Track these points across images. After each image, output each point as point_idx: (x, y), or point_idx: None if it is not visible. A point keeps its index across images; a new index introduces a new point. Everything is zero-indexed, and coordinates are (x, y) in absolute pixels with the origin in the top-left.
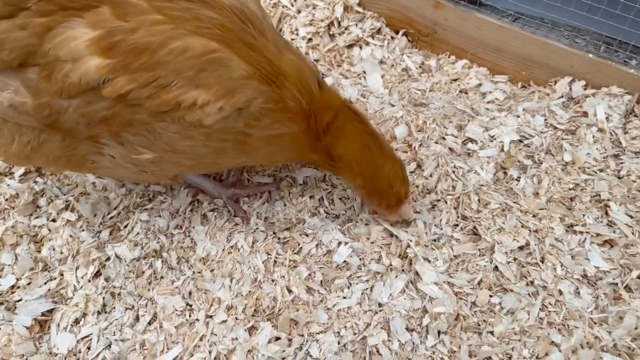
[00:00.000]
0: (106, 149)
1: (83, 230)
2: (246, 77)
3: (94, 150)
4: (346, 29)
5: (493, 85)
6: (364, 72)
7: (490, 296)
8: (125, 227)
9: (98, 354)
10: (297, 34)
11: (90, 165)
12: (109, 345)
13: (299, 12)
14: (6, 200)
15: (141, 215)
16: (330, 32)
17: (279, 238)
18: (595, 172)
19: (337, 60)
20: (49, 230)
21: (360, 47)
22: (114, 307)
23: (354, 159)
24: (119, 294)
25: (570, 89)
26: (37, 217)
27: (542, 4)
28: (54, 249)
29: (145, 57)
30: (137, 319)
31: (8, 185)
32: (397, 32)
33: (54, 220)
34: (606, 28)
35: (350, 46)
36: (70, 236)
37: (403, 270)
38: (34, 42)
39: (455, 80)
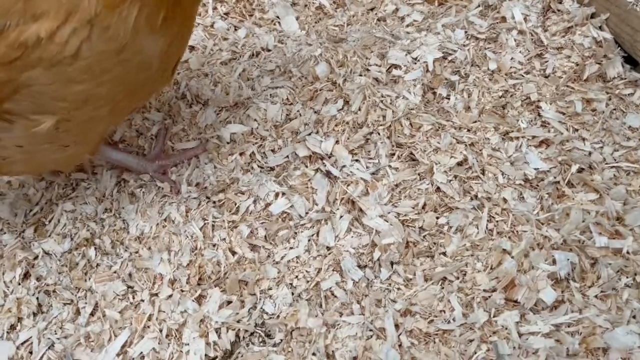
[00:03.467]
0: (3, 137)
1: (4, 233)
2: None
3: None
4: None
5: (410, 8)
6: (278, 17)
7: (437, 218)
8: (50, 221)
9: (42, 356)
10: None
11: (3, 163)
12: (52, 345)
13: None
14: None
15: (65, 206)
16: None
17: (213, 202)
18: (522, 76)
19: (248, 10)
20: None
21: None
22: (51, 305)
23: None
24: (54, 291)
25: None
26: None
27: None
28: None
29: None
30: (77, 312)
31: None
32: None
33: None
34: None
35: None
36: None
37: (346, 208)
38: None
39: (371, 9)
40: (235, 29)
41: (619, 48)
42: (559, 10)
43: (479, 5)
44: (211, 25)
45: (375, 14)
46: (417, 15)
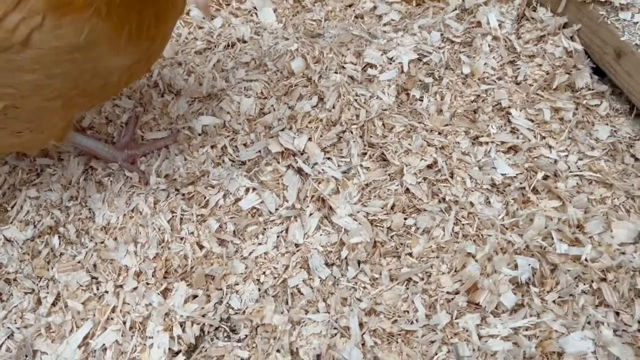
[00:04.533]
0: None
1: None
2: None
3: None
4: None
5: (388, 7)
6: (255, 7)
7: (405, 219)
8: (13, 207)
9: (0, 345)
10: None
11: None
12: (12, 335)
13: None
14: None
15: (29, 192)
16: None
17: (182, 194)
18: (494, 81)
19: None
20: None
21: None
22: (11, 294)
23: None
24: (14, 280)
25: (463, 0)
26: None
27: None
28: None
29: None
30: (38, 301)
31: None
32: None
33: None
34: None
35: None
36: None
37: (316, 205)
38: None
39: (350, 5)
40: (212, 18)
41: (589, 59)
42: (532, 19)
43: (455, 9)
44: (187, 13)
45: (354, 10)
46: (394, 15)
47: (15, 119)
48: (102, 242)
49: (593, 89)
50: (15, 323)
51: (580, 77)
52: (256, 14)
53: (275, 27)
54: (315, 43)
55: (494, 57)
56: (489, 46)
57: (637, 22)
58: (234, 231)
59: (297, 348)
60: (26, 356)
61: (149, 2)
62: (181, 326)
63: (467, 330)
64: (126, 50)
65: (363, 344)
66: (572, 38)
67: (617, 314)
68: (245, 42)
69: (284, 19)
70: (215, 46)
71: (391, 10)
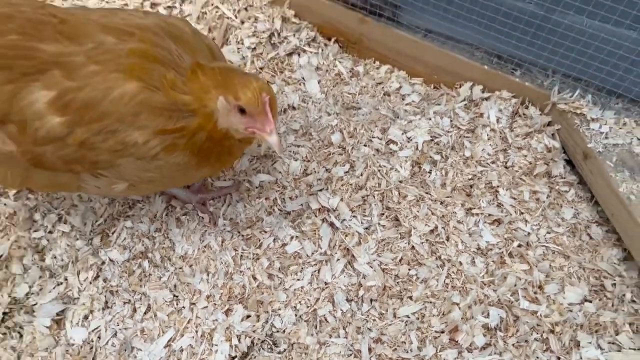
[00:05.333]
0: (88, 181)
1: (77, 239)
2: (162, 109)
3: (76, 181)
4: (285, 38)
5: (410, 88)
6: (303, 78)
7: (409, 269)
8: (113, 233)
9: (107, 342)
10: (242, 44)
11: (78, 188)
12: (115, 334)
13: (242, 23)
14: (6, 218)
15: (126, 223)
16: (272, 42)
17: (242, 235)
18: (488, 164)
19: (280, 68)
20: (48, 241)
21: (299, 55)
22: (115, 303)
23: (204, 86)
24: (117, 292)
25: (471, 92)
26: (35, 231)
27: (447, 24)
28: (55, 258)
29: (93, 111)
30: (134, 310)
31: (5, 204)
32: (329, 39)
33: (50, 232)
34: (497, 45)
35: (290, 54)
36: (68, 245)
37: (343, 254)
38: (5, 106)
39: (379, 83)
40: (269, 83)
41: (564, 152)
42: (524, 115)
43: (464, 99)
44: None
45: (382, 88)
46: (415, 96)
47: (132, 191)
48: (180, 268)
49: (565, 178)
50: (118, 325)
51: (556, 167)
52: (304, 83)
53: (319, 97)
54: (350, 119)
55: (490, 145)
56: (487, 135)
57: (603, 133)
58: (279, 268)
59: None
60: (125, 350)
61: (223, 150)
62: (237, 338)
63: (446, 359)
64: (205, 170)
65: (367, 352)
66: (552, 136)
67: (559, 358)
68: (294, 108)
69: (326, 89)
70: None
71: (413, 92)
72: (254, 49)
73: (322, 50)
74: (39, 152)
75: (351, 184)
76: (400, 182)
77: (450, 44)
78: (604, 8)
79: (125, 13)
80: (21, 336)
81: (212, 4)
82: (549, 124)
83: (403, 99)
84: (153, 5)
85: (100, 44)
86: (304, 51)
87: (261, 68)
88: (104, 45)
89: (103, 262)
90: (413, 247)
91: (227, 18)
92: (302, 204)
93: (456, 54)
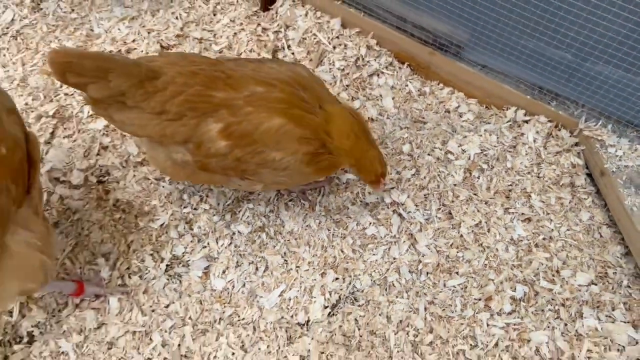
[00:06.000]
0: (235, 181)
1: (214, 215)
2: (298, 138)
3: (226, 181)
4: (368, 62)
5: (467, 107)
6: (381, 95)
7: (457, 252)
8: (239, 212)
9: (238, 290)
10: (333, 65)
11: (226, 184)
12: (244, 285)
13: (334, 48)
14: (165, 197)
15: (248, 205)
16: (357, 65)
17: (333, 219)
18: (525, 174)
19: (362, 86)
20: (193, 215)
21: (378, 76)
22: (243, 263)
23: (346, 150)
24: (244, 255)
25: (515, 115)
26: (184, 207)
27: (500, 62)
28: (199, 228)
29: (248, 138)
30: (257, 269)
31: (163, 186)
32: (403, 64)
33: (195, 209)
34: (540, 80)
35: (371, 75)
36: (207, 219)
37: (407, 238)
38: (190, 133)
39: (442, 102)
40: (352, 99)
41: (586, 168)
42: (556, 136)
43: (509, 120)
44: (337, 94)
45: (444, 106)
46: (470, 115)
47: (265, 188)
48: (288, 240)
49: (585, 188)
50: (245, 279)
51: (578, 179)
52: (381, 99)
53: (393, 111)
54: (417, 132)
55: (527, 159)
56: (525, 151)
57: (618, 156)
58: (360, 245)
59: (390, 315)
60: (251, 297)
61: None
62: (329, 293)
63: (481, 320)
64: (319, 177)
65: (425, 319)
66: (578, 155)
67: (566, 324)
68: (373, 120)
69: (399, 104)
70: None
71: (469, 110)
72: (343, 69)
73: (397, 72)
74: (206, 162)
75: (416, 185)
76: (455, 185)
77: (501, 77)
78: (626, 62)
79: (266, 67)
80: (180, 282)
81: (310, 32)
82: (576, 144)
83: (460, 117)
84: (264, 30)
85: (253, 92)
86: (382, 73)
87: (347, 85)
88: (256, 94)
89: (234, 233)
90: (461, 236)
91: (323, 44)
92: (377, 198)
93: (505, 85)
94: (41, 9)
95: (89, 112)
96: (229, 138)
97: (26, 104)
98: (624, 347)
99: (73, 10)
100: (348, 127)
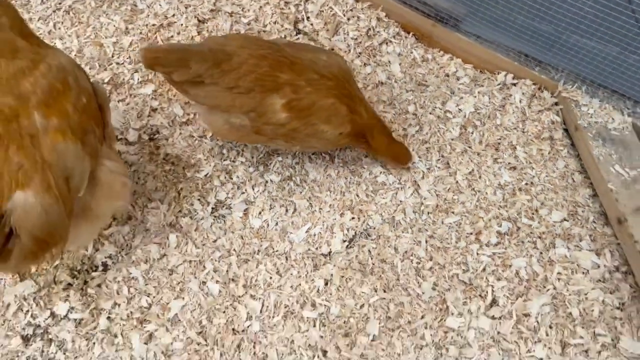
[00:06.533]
0: (278, 143)
1: (249, 166)
2: (344, 116)
3: (270, 142)
4: (378, 32)
5: (463, 72)
6: (389, 61)
7: (453, 195)
8: (270, 163)
9: (272, 228)
10: (348, 35)
11: (267, 143)
12: (277, 224)
13: (348, 20)
14: (208, 151)
15: (278, 158)
16: (368, 34)
17: (349, 170)
18: (511, 130)
19: (373, 53)
20: (232, 167)
21: (387, 44)
22: (275, 206)
23: (383, 149)
24: (275, 199)
25: (505, 79)
26: (224, 160)
27: (492, 33)
28: (238, 177)
29: (305, 112)
30: (287, 211)
31: (205, 142)
32: (408, 33)
33: (233, 161)
34: (526, 48)
35: (381, 44)
36: (244, 170)
37: (412, 184)
38: (255, 104)
39: (442, 67)
40: (365, 65)
41: (563, 124)
42: (539, 97)
43: (499, 84)
44: (352, 61)
45: (444, 71)
46: (466, 79)
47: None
48: (312, 187)
49: (562, 141)
50: (278, 219)
51: (556, 134)
52: (390, 65)
53: (400, 76)
54: (421, 94)
55: (514, 117)
56: (513, 111)
57: (589, 113)
58: (372, 191)
59: (397, 247)
60: (283, 233)
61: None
62: (347, 230)
63: (472, 250)
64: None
65: (426, 249)
66: (557, 113)
67: (541, 253)
68: (383, 84)
69: (405, 70)
70: (366, 86)
71: (465, 75)
72: (356, 39)
73: (403, 41)
74: (263, 128)
75: (419, 139)
76: (452, 139)
77: (493, 46)
78: (597, 34)
79: (321, 60)
80: (224, 221)
81: (327, 5)
82: (555, 104)
83: (458, 80)
84: (286, 3)
85: (312, 78)
86: (391, 42)
87: (360, 53)
88: (314, 79)
89: (266, 181)
90: (457, 182)
91: (338, 16)
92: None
93: (496, 53)
94: None
95: (139, 79)
96: (290, 111)
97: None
98: (588, 270)
99: None
100: (384, 129)
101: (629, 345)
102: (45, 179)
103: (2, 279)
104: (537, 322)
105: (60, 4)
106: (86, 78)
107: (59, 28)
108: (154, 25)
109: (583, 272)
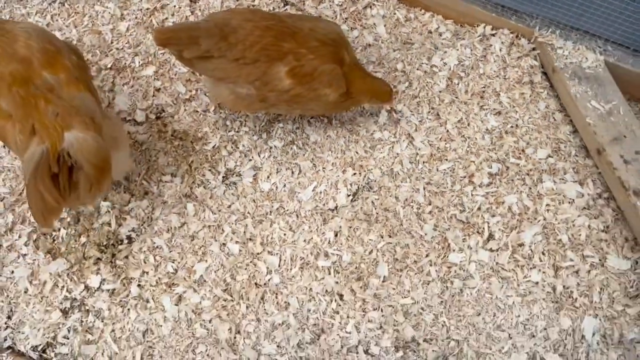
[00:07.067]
0: (280, 108)
1: (253, 135)
2: (343, 81)
3: (272, 108)
4: None
5: (445, 27)
6: (375, 24)
7: (445, 143)
8: (272, 130)
9: (280, 189)
10: (333, 2)
11: (269, 109)
12: (285, 185)
13: None
14: (213, 124)
15: (279, 124)
16: (352, 0)
17: (347, 129)
18: (494, 77)
19: (359, 17)
20: (237, 137)
21: (371, 7)
22: (281, 169)
23: (363, 90)
24: (281, 162)
25: (484, 30)
26: (229, 131)
27: None
28: (244, 146)
29: (308, 78)
30: (292, 173)
31: (210, 116)
32: None
33: (237, 131)
34: (501, 0)
35: (365, 8)
36: (249, 138)
37: (406, 137)
38: (261, 73)
39: (424, 25)
40: (351, 29)
41: (542, 68)
42: (518, 44)
43: (480, 35)
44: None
45: (427, 28)
46: (448, 34)
47: (300, 113)
48: (314, 149)
49: (541, 84)
50: (285, 180)
51: (536, 77)
52: (375, 27)
53: (386, 36)
54: (407, 52)
55: (495, 65)
56: (494, 60)
57: (564, 55)
58: (370, 146)
59: (398, 196)
60: (292, 193)
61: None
62: (350, 185)
63: (467, 192)
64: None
65: (424, 195)
66: (535, 57)
67: (530, 188)
68: (370, 46)
69: (390, 31)
70: (356, 48)
71: (447, 30)
72: (341, 5)
73: (386, 3)
74: (268, 96)
75: (410, 95)
76: (440, 92)
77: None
78: None
79: (320, 27)
80: (236, 188)
81: None
82: (533, 49)
83: (440, 36)
84: None
85: (313, 45)
86: (374, 5)
87: (346, 18)
88: (315, 46)
89: (271, 148)
90: (447, 131)
91: None
92: (379, 110)
93: (474, 6)
94: None
95: (140, 62)
96: (294, 77)
97: (87, 60)
98: (573, 200)
99: None
100: (363, 74)
101: (615, 263)
102: (82, 119)
103: (35, 259)
104: (531, 250)
105: None
106: (57, 38)
107: (57, 20)
108: (147, 9)
109: (569, 202)
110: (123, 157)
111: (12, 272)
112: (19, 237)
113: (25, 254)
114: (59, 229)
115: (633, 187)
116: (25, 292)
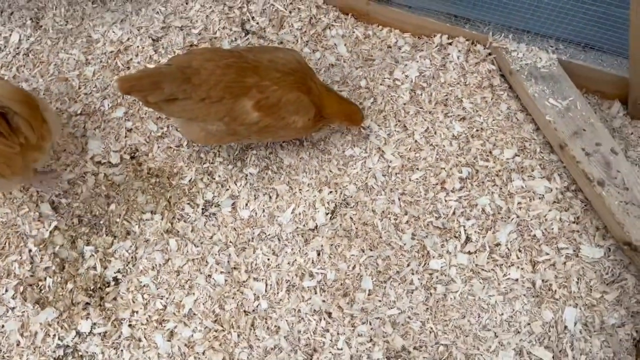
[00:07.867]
0: (252, 138)
1: (228, 164)
2: (308, 103)
3: (244, 139)
4: (319, 19)
5: (403, 41)
6: (335, 44)
7: (415, 153)
8: (246, 158)
9: (260, 215)
10: (292, 27)
11: (242, 140)
12: (264, 210)
13: (290, 12)
14: (187, 158)
15: (252, 151)
16: (311, 23)
17: (319, 149)
18: (455, 85)
19: (319, 39)
20: (212, 168)
21: (330, 29)
22: (258, 195)
23: (336, 113)
24: (258, 189)
25: (441, 40)
26: (203, 164)
27: (421, 2)
28: (219, 176)
29: (274, 108)
30: (270, 198)
31: (183, 151)
32: (347, 15)
33: (212, 163)
34: (453, 10)
35: (324, 29)
36: (224, 168)
37: (377, 151)
38: (228, 109)
39: (383, 40)
40: (313, 52)
41: (500, 72)
42: (474, 51)
43: (437, 45)
44: (301, 50)
45: (386, 43)
46: (407, 47)
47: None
48: (289, 172)
49: (501, 87)
50: (264, 206)
51: (495, 81)
52: (336, 48)
53: (347, 55)
54: (369, 68)
55: (455, 73)
56: (453, 67)
57: (519, 57)
58: (342, 164)
59: (374, 209)
60: (272, 218)
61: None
62: (327, 203)
63: (440, 198)
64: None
65: (400, 206)
66: (492, 62)
67: (500, 188)
68: (333, 66)
69: (351, 49)
70: (319, 70)
71: (405, 44)
72: (301, 29)
73: (344, 23)
74: (238, 129)
75: (376, 110)
76: (404, 104)
77: (424, 12)
78: None
79: (279, 57)
80: (216, 218)
81: (268, 2)
82: (489, 54)
83: (399, 49)
84: (229, 8)
85: (275, 77)
86: (333, 26)
87: (307, 41)
88: (277, 77)
89: (246, 175)
90: (416, 141)
91: (280, 11)
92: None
93: (429, 18)
94: (41, 26)
95: (109, 105)
96: (260, 110)
97: (57, 108)
98: (543, 195)
99: (67, 22)
100: (335, 98)
101: (588, 252)
102: None
103: (24, 311)
104: (508, 249)
105: (18, 48)
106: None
107: (22, 71)
108: (111, 51)
109: (539, 198)
110: (48, 115)
111: (2, 325)
112: (6, 290)
113: (13, 307)
114: (45, 278)
115: (597, 178)
116: (18, 344)
